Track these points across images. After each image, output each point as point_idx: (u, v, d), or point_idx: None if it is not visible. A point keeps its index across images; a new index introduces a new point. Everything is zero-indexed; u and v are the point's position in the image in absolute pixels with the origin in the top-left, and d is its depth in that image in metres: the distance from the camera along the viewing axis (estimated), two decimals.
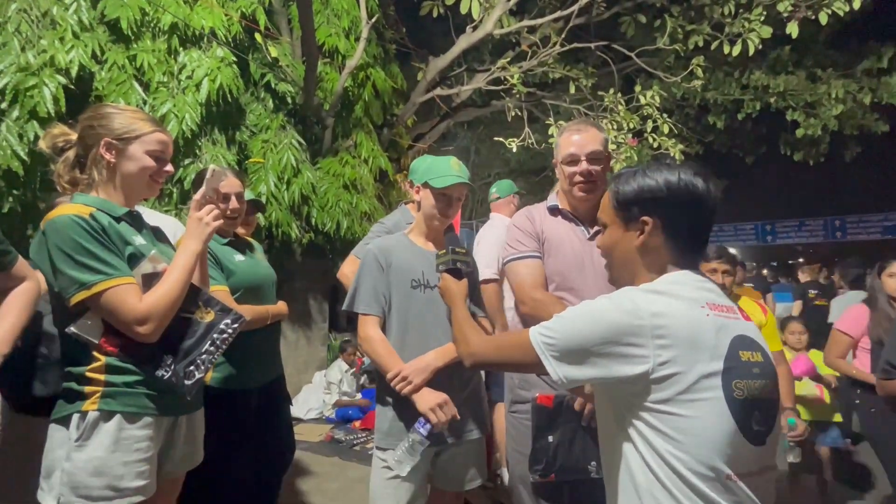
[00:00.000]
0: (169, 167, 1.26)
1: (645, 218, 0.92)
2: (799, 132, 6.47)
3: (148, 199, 2.18)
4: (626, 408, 0.87)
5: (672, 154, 5.15)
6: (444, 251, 1.43)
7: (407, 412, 1.43)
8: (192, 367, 1.16)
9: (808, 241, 15.07)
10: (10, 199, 2.69)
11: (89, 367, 1.11)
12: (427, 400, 1.38)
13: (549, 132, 5.00)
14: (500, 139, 5.31)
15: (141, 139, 1.20)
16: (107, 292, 1.07)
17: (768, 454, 0.88)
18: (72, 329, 1.09)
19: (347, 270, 2.22)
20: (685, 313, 0.85)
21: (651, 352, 0.82)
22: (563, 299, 1.46)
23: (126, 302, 1.08)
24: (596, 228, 1.51)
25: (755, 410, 0.84)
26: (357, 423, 3.98)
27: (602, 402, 0.96)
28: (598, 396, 0.99)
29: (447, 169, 1.49)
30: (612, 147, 5.03)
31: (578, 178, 1.47)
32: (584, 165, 1.46)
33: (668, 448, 0.82)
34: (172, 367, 1.14)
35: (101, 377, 1.11)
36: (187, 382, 1.14)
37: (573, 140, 1.49)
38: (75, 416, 1.09)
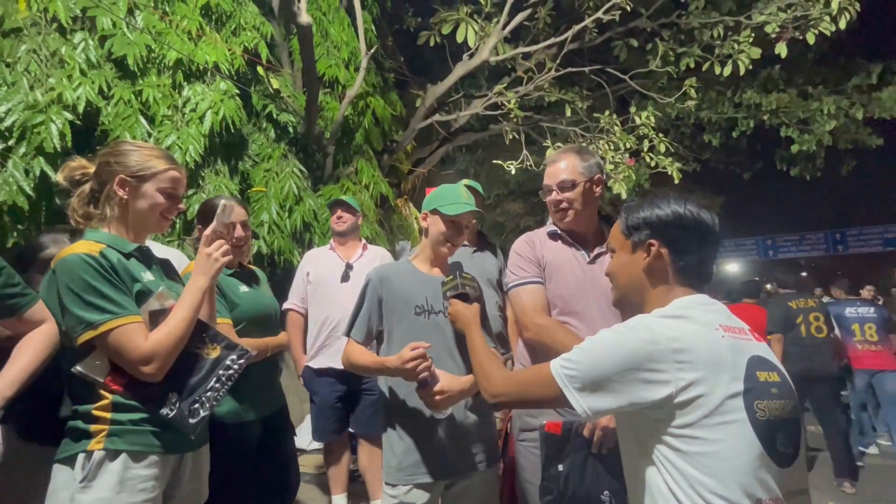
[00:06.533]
0: (181, 204, 1.27)
1: (652, 241, 0.95)
2: (794, 148, 6.55)
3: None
4: (649, 434, 0.87)
5: (669, 172, 5.19)
6: (451, 277, 1.42)
7: (417, 444, 1.41)
8: (196, 405, 1.15)
9: (809, 255, 15.07)
10: (15, 234, 2.73)
11: (95, 406, 1.10)
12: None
13: (547, 154, 5.06)
14: (499, 162, 5.36)
15: (155, 177, 1.20)
16: (113, 332, 1.07)
17: (797, 477, 0.87)
18: (78, 368, 1.09)
19: None
20: (701, 336, 0.86)
21: (672, 375, 0.83)
22: (566, 323, 1.47)
23: (132, 341, 1.08)
24: (596, 252, 1.54)
25: (779, 432, 0.85)
26: None
27: (625, 430, 0.96)
28: (621, 424, 0.99)
29: (457, 197, 1.50)
30: (609, 167, 5.09)
31: (552, 207, 1.58)
32: (554, 195, 1.56)
33: (695, 474, 0.81)
34: (177, 405, 1.13)
35: (108, 415, 1.10)
36: (191, 421, 1.13)
37: (547, 172, 1.61)
38: (80, 456, 1.08)
